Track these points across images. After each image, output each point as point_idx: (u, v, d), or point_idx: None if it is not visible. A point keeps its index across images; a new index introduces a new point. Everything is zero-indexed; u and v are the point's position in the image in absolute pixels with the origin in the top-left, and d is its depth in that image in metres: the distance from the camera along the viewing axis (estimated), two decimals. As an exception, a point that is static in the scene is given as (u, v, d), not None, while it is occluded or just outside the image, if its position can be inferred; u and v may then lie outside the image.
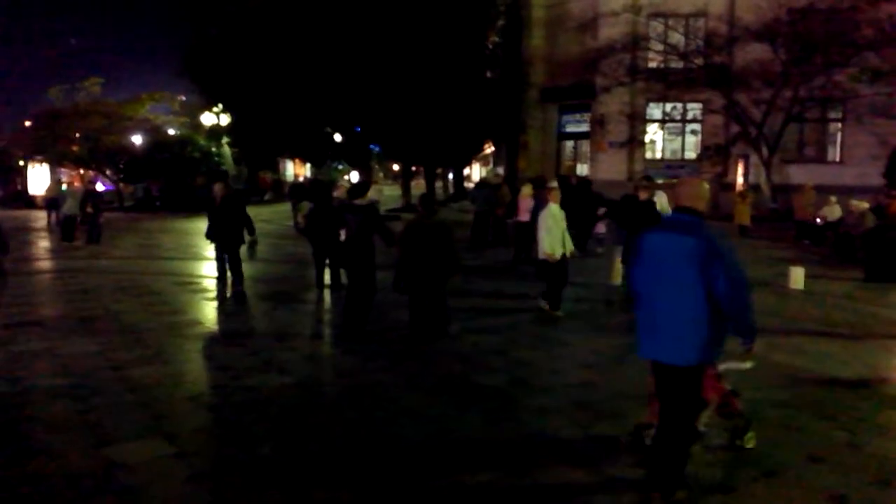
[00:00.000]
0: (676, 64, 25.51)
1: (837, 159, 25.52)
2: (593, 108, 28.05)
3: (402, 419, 5.93)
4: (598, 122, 27.73)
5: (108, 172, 39.24)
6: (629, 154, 27.37)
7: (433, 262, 8.16)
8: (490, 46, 30.94)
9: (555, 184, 12.68)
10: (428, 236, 8.26)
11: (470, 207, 20.07)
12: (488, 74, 31.54)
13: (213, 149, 36.17)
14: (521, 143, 30.71)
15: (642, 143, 27.71)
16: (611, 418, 5.93)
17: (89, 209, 19.40)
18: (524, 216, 14.43)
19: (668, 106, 27.36)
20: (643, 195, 10.83)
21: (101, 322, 9.63)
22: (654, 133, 28.41)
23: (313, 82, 26.29)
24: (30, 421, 5.89)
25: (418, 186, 34.46)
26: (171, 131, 40.51)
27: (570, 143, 31.07)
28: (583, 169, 29.32)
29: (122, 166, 37.61)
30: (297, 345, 8.48)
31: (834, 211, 17.64)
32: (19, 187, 42.80)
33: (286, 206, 25.95)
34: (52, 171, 40.93)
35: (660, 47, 25.72)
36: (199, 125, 36.78)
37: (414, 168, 35.09)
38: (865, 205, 15.47)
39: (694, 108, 27.03)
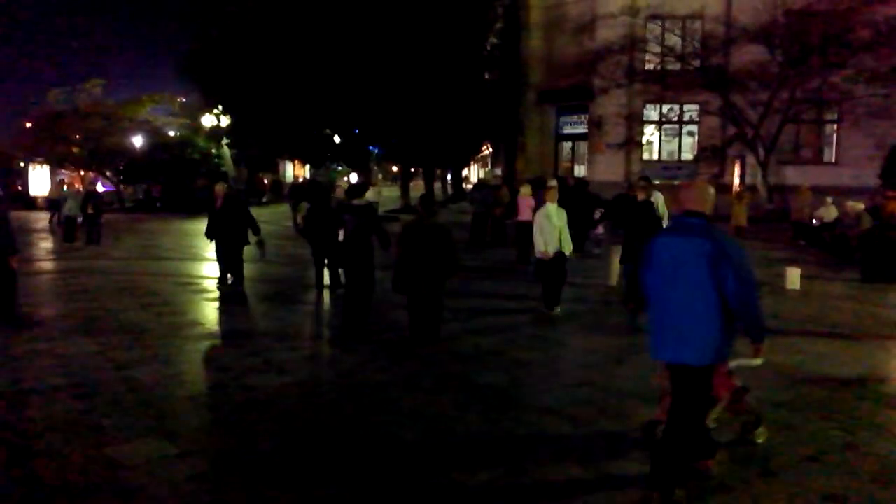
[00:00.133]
0: (674, 66, 25.61)
1: (833, 160, 25.61)
2: (591, 110, 28.14)
3: (401, 419, 5.98)
4: (596, 124, 27.82)
5: (108, 174, 39.29)
6: (626, 155, 27.47)
7: (432, 263, 8.22)
8: (488, 48, 31.04)
9: (553, 183, 12.76)
10: (427, 237, 8.31)
11: (468, 208, 20.15)
12: (487, 76, 31.64)
13: (213, 150, 36.23)
14: (519, 144, 30.79)
15: (639, 145, 27.80)
16: (610, 418, 5.99)
17: (90, 210, 19.47)
18: (524, 216, 14.49)
19: (665, 107, 27.46)
20: (641, 195, 10.90)
21: (101, 322, 9.69)
22: (651, 134, 28.49)
23: (313, 84, 26.34)
24: (31, 421, 5.93)
25: (417, 187, 34.53)
26: (172, 133, 40.55)
27: (567, 145, 31.15)
28: (580, 170, 29.41)
29: (122, 168, 37.67)
30: (297, 345, 8.54)
31: (830, 212, 17.73)
32: (20, 188, 42.85)
33: (285, 208, 26.03)
34: (53, 173, 41.01)
35: (657, 49, 25.82)
36: (199, 127, 36.82)
37: (413, 169, 35.15)
38: (861, 205, 15.56)
39: (691, 110, 27.12)
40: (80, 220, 19.69)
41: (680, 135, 28.04)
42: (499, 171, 32.53)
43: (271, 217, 26.62)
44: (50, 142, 37.52)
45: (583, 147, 30.01)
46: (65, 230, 19.78)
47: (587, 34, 27.36)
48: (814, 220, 18.27)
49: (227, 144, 35.92)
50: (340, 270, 11.20)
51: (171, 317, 10.09)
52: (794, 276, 12.31)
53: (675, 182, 24.01)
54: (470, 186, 29.36)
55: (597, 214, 15.87)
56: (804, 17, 22.19)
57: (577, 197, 15.62)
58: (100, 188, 30.23)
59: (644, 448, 5.15)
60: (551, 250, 9.74)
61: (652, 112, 27.99)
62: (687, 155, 27.83)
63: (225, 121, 35.01)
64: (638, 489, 4.63)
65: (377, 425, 5.84)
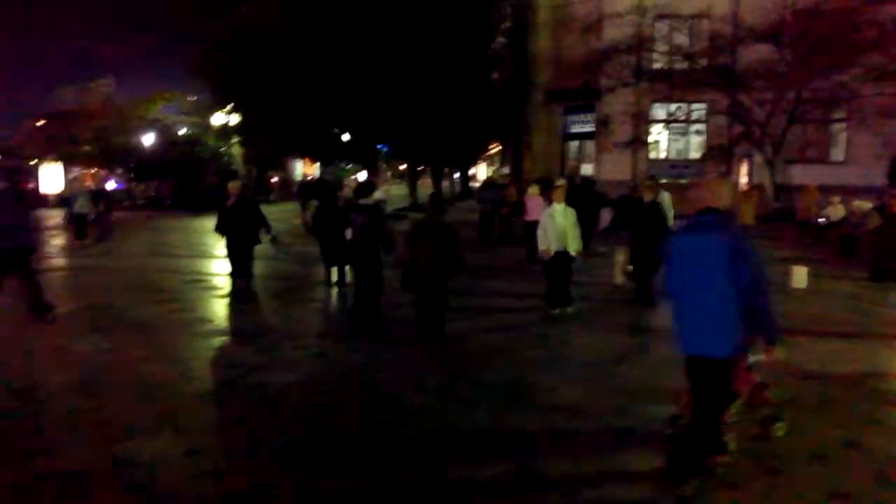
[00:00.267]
0: (681, 65, 25.57)
1: (840, 159, 25.54)
2: (598, 109, 28.13)
3: (407, 416, 6.06)
4: (603, 123, 27.82)
5: (119, 171, 39.56)
6: (633, 154, 27.46)
7: (439, 262, 8.29)
8: (496, 47, 31.07)
9: (561, 182, 12.80)
10: (435, 235, 8.38)
11: (475, 207, 20.21)
12: (495, 75, 31.68)
13: (223, 148, 36.40)
14: (526, 143, 30.83)
15: (646, 144, 27.79)
16: (616, 415, 6.04)
17: (100, 208, 19.63)
18: (533, 216, 14.49)
19: (673, 106, 27.42)
20: (648, 196, 10.94)
21: (111, 319, 9.81)
22: (658, 133, 28.47)
23: (322, 82, 26.46)
24: (42, 416, 6.05)
25: (424, 186, 34.60)
26: (182, 131, 40.77)
27: (574, 144, 31.15)
28: (587, 169, 29.41)
29: (132, 165, 37.90)
30: (305, 342, 8.62)
31: (837, 211, 17.72)
32: (31, 186, 43.12)
33: (293, 206, 26.14)
34: (65, 171, 41.30)
35: (664, 48, 25.79)
36: (209, 125, 37.00)
37: (420, 168, 35.24)
38: (869, 205, 15.54)
39: (698, 109, 27.05)
40: (90, 217, 19.86)
41: (687, 134, 28.00)
42: (506, 170, 32.56)
43: (280, 215, 26.72)
44: (61, 140, 37.77)
45: (590, 146, 30.00)
46: (76, 227, 19.95)
47: (594, 33, 27.34)
48: (820, 220, 18.26)
49: (237, 142, 36.06)
50: (347, 268, 11.29)
51: (180, 313, 10.20)
52: (800, 275, 12.32)
53: (682, 181, 24.05)
54: (477, 185, 29.41)
55: (605, 215, 15.90)
56: (812, 16, 22.13)
57: (584, 196, 15.65)
58: (111, 185, 30.38)
59: (665, 443, 5.19)
60: (553, 249, 9.74)
61: (659, 111, 27.97)
62: (694, 154, 27.80)
63: (234, 119, 35.17)
64: (645, 484, 4.72)
65: (384, 421, 5.93)
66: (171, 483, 4.81)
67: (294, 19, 26.69)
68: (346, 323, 9.19)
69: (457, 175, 44.52)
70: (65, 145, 38.13)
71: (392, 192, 32.12)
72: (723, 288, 4.37)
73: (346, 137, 32.09)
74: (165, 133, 39.12)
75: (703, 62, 24.93)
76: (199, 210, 27.92)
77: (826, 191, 18.92)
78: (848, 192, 18.99)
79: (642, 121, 27.16)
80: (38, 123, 42.32)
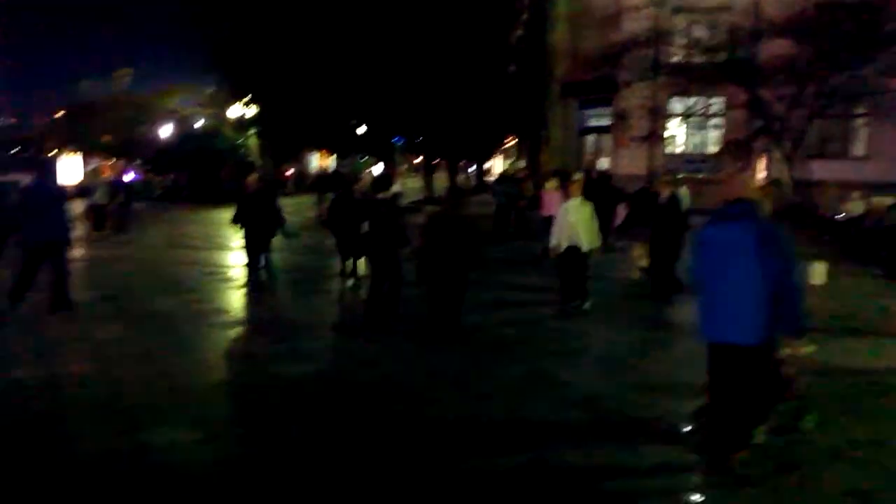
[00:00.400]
0: (700, 58, 25.36)
1: (861, 155, 25.29)
2: (615, 103, 27.97)
3: (424, 408, 6.09)
4: (620, 117, 27.67)
5: (137, 163, 39.84)
6: (650, 149, 27.28)
7: (456, 255, 8.29)
8: (514, 40, 30.96)
9: (578, 176, 12.74)
10: (452, 229, 8.37)
11: (491, 200, 20.18)
12: (512, 68, 31.57)
13: (240, 141, 36.56)
14: (543, 136, 30.74)
15: (664, 138, 27.60)
16: (632, 409, 6.03)
17: (119, 199, 19.79)
18: (550, 210, 14.42)
19: (691, 100, 27.19)
20: (666, 191, 10.89)
21: (129, 309, 9.90)
22: (675, 128, 28.27)
23: (340, 74, 26.51)
24: (62, 405, 6.13)
25: (440, 179, 34.61)
26: (199, 123, 41.01)
27: (591, 138, 31.01)
28: (604, 163, 29.28)
29: (151, 157, 38.15)
30: (321, 334, 8.68)
31: (857, 207, 17.55)
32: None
33: (309, 198, 26.22)
34: (85, 162, 41.66)
35: (683, 42, 25.57)
36: (225, 118, 37.18)
37: (436, 161, 35.24)
38: (888, 201, 15.38)
39: (716, 103, 26.84)
40: (109, 208, 20.01)
41: (705, 128, 27.79)
42: (523, 164, 32.48)
43: (295, 207, 26.84)
44: (81, 131, 38.10)
45: (607, 140, 29.86)
46: (94, 219, 20.11)
47: (612, 27, 27.17)
48: (840, 215, 18.10)
49: (255, 134, 36.18)
50: (361, 261, 11.32)
51: (198, 304, 10.28)
52: (819, 271, 12.17)
53: (700, 176, 23.87)
54: (493, 179, 29.35)
55: (621, 210, 15.80)
56: (834, 9, 21.87)
57: (600, 190, 15.58)
58: (129, 177, 30.61)
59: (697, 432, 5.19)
60: (564, 245, 9.66)
61: (677, 105, 27.75)
62: (712, 148, 27.59)
63: (251, 111, 35.29)
64: (660, 478, 4.73)
65: (399, 413, 5.96)
66: (188, 470, 4.87)
67: (312, 11, 26.74)
68: (362, 315, 9.22)
69: (472, 168, 44.45)
70: (84, 137, 38.46)
71: (408, 186, 32.15)
72: (751, 277, 4.45)
73: (362, 130, 32.13)
74: (183, 125, 39.34)
75: (723, 56, 24.70)
76: (216, 202, 28.06)
77: (846, 187, 18.75)
78: (868, 188, 18.80)
79: (660, 115, 26.96)
80: (58, 115, 42.70)
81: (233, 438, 5.49)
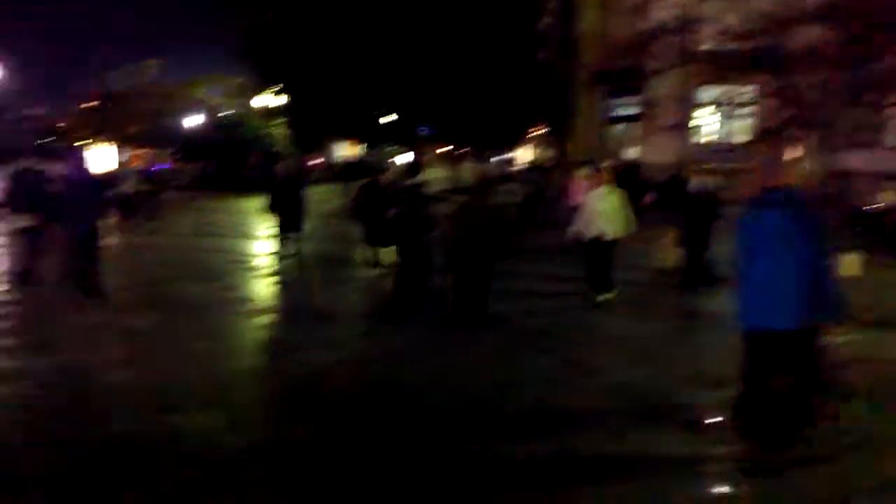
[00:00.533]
0: (730, 46, 25.01)
1: (894, 144, 24.81)
2: (644, 91, 27.71)
3: (450, 395, 6.10)
4: (649, 106, 27.41)
5: (165, 152, 40.22)
6: (679, 138, 27.00)
7: (483, 244, 8.26)
8: (542, 28, 30.78)
9: (606, 165, 12.62)
10: (479, 218, 8.34)
11: (517, 189, 20.11)
12: (540, 56, 31.41)
13: (267, 130, 36.74)
14: (570, 125, 30.54)
15: (693, 127, 27.32)
16: (658, 398, 6.00)
17: (148, 188, 20.00)
18: (578, 199, 14.31)
19: (720, 89, 26.86)
20: (696, 180, 10.79)
21: (158, 296, 10.01)
22: (705, 117, 27.94)
23: (369, 63, 26.58)
24: (93, 389, 6.22)
25: (466, 168, 34.60)
26: (226, 112, 41.28)
27: (619, 127, 30.76)
28: (632, 153, 29.04)
29: (178, 146, 38.49)
30: (349, 322, 8.72)
31: (888, 197, 17.25)
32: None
33: (335, 187, 26.30)
34: (115, 151, 42.13)
35: (713, 29, 25.22)
36: (250, 107, 37.38)
37: (463, 150, 35.22)
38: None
39: (746, 92, 26.48)
40: (139, 197, 20.22)
41: (735, 117, 27.44)
42: (550, 153, 32.33)
43: (322, 196, 26.95)
44: (112, 121, 38.56)
45: (635, 129, 29.61)
46: (123, 207, 20.31)
47: (641, 14, 26.88)
48: (872, 206, 17.79)
49: (283, 123, 36.32)
50: (387, 250, 11.33)
51: (225, 292, 10.38)
52: (851, 262, 12.01)
53: (729, 165, 23.55)
54: (520, 167, 29.29)
55: (648, 199, 15.65)
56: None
57: (628, 180, 15.45)
58: (159, 166, 30.92)
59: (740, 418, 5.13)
60: (590, 234, 9.57)
61: (706, 94, 27.44)
62: (742, 137, 27.24)
63: (280, 101, 35.42)
64: (689, 468, 4.71)
65: (424, 401, 5.97)
66: (215, 455, 4.91)
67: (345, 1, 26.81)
68: (388, 303, 9.23)
69: (498, 157, 44.32)
70: (114, 127, 38.92)
71: (434, 175, 32.14)
72: (793, 263, 4.48)
73: (389, 119, 32.18)
74: (210, 114, 39.63)
75: (753, 43, 24.32)
76: (242, 191, 28.22)
77: (879, 177, 18.42)
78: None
79: (688, 104, 26.69)
80: (89, 105, 43.23)
81: (260, 425, 5.53)
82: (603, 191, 9.67)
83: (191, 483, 4.53)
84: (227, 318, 8.93)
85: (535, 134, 43.73)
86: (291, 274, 11.49)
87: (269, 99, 35.94)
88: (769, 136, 25.32)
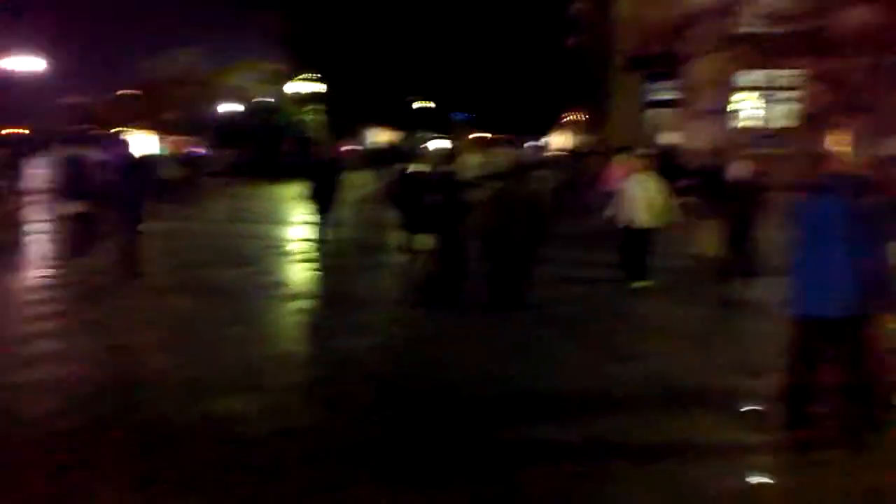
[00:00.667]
0: (771, 29, 24.47)
1: (944, 130, 24.13)
2: (682, 76, 27.26)
3: (483, 380, 6.05)
4: (687, 91, 26.96)
5: (201, 138, 40.67)
6: (718, 123, 26.54)
7: (520, 231, 8.17)
8: (574, 13, 30.42)
9: (643, 151, 12.43)
10: (515, 204, 8.25)
11: (552, 175, 19.91)
12: (573, 41, 31.07)
13: (300, 116, 36.90)
14: (606, 111, 30.20)
15: (732, 112, 26.83)
16: (701, 385, 5.88)
17: (184, 173, 20.19)
18: (615, 185, 14.12)
19: (761, 73, 26.33)
20: (737, 167, 10.57)
21: (194, 281, 10.10)
22: (744, 101, 27.42)
23: (405, 50, 26.57)
24: (129, 372, 6.25)
25: (500, 155, 34.51)
26: (260, 98, 41.57)
27: (656, 112, 30.33)
28: (670, 138, 28.62)
29: (214, 132, 38.86)
30: (382, 308, 8.69)
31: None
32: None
33: (368, 174, 26.35)
34: (155, 138, 42.73)
35: (753, 12, 24.70)
36: (284, 94, 37.55)
37: (497, 136, 35.11)
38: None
39: (788, 76, 25.93)
40: (174, 183, 20.41)
41: (775, 102, 26.88)
42: (587, 139, 32.05)
43: (355, 182, 27.00)
44: (151, 108, 39.07)
45: (673, 115, 29.17)
46: (160, 192, 20.54)
47: (679, -3, 26.41)
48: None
49: (318, 110, 36.44)
50: (419, 236, 11.29)
51: (259, 277, 10.43)
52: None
53: (771, 151, 23.11)
54: (554, 153, 29.03)
55: (681, 184, 15.36)
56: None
57: (665, 166, 15.19)
58: (196, 152, 31.23)
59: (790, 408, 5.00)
60: (624, 220, 9.44)
61: (746, 78, 26.91)
62: (783, 123, 26.69)
63: (312, 87, 35.51)
64: (720, 458, 4.60)
65: (458, 387, 5.93)
66: (250, 439, 4.91)
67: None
68: (423, 289, 9.19)
69: (532, 143, 44.04)
70: (155, 113, 39.45)
71: (469, 161, 32.05)
72: (848, 250, 4.43)
73: (424, 105, 32.17)
74: (246, 101, 39.92)
75: (796, 26, 23.78)
76: (276, 177, 28.37)
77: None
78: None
79: (728, 88, 26.21)
80: (126, 92, 43.86)
81: (296, 409, 5.52)
82: (640, 177, 9.54)
83: (225, 467, 4.53)
84: (262, 303, 8.96)
85: (568, 120, 43.42)
86: (326, 260, 11.50)
87: (303, 85, 36.05)
88: (813, 121, 24.80)
